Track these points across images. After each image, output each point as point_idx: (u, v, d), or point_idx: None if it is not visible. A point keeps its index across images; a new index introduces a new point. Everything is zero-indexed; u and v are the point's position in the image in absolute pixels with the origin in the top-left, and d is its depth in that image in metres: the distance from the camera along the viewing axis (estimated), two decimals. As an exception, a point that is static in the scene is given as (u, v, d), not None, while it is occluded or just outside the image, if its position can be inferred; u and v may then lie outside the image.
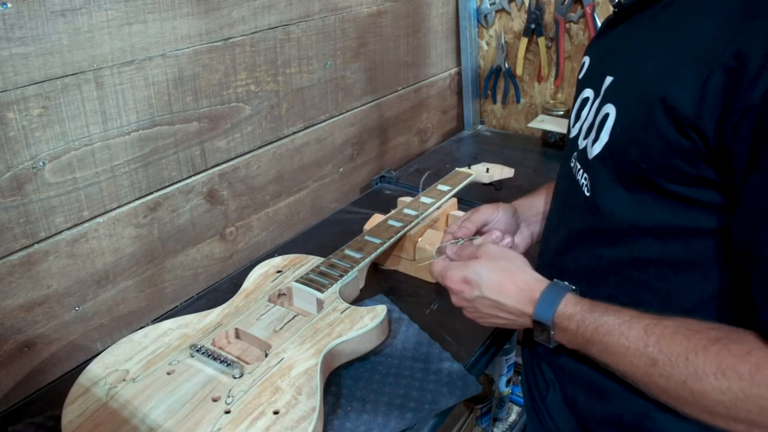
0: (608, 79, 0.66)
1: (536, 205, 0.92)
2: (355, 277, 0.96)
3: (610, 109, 0.64)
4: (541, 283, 0.68)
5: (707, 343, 0.54)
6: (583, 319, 0.63)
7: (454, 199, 1.16)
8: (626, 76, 0.64)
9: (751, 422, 0.52)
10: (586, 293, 0.67)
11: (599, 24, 1.47)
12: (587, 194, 0.68)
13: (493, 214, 0.87)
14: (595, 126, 0.67)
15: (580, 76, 0.77)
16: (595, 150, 0.66)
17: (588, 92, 0.72)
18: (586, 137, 0.69)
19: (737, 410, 0.52)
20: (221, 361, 0.79)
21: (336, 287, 0.91)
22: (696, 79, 0.53)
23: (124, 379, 0.78)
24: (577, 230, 0.71)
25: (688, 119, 0.54)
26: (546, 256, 0.80)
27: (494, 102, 1.75)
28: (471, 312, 0.75)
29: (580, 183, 0.70)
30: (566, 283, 0.68)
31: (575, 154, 0.73)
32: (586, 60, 0.77)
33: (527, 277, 0.70)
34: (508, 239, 0.84)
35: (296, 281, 0.93)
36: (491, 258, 0.73)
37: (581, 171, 0.70)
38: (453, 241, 0.84)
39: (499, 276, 0.71)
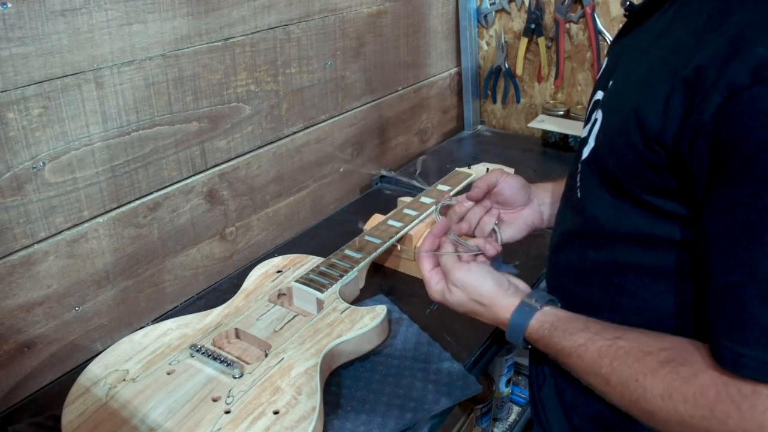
0: (610, 84, 0.67)
1: (549, 188, 0.92)
2: (355, 277, 0.96)
3: (599, 115, 0.65)
4: (507, 312, 0.71)
5: (656, 365, 0.56)
6: (546, 343, 0.67)
7: (455, 199, 1.16)
8: (618, 83, 0.65)
9: None
10: (574, 292, 0.71)
11: (599, 24, 1.47)
12: (578, 196, 0.70)
13: (502, 177, 0.87)
14: (589, 130, 0.69)
15: (598, 77, 0.78)
16: (584, 154, 0.68)
17: (599, 94, 0.73)
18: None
19: (684, 429, 0.53)
20: (221, 361, 0.79)
21: (336, 287, 0.91)
22: (663, 93, 0.53)
23: (124, 379, 0.78)
24: (569, 230, 0.73)
25: (652, 132, 0.54)
26: (550, 255, 0.81)
27: (494, 102, 1.75)
28: (454, 309, 0.78)
29: (576, 184, 0.71)
30: (533, 300, 0.71)
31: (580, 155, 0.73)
32: (605, 61, 0.78)
33: (496, 309, 0.73)
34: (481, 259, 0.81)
35: (296, 281, 0.93)
36: (464, 291, 0.75)
37: (578, 173, 0.71)
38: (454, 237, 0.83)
39: (473, 307, 0.75)
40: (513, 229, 0.87)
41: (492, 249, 0.77)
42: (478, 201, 0.85)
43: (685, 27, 0.56)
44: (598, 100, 0.72)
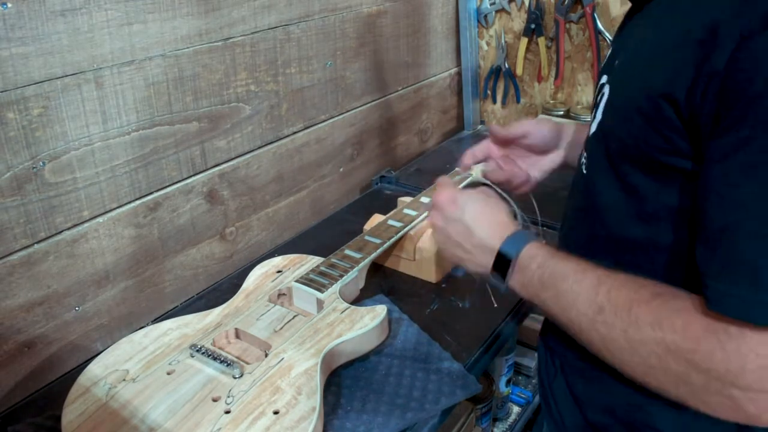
0: (616, 63, 0.68)
1: (580, 132, 0.94)
2: (355, 277, 0.96)
3: (606, 88, 0.66)
4: (514, 226, 0.72)
5: (650, 296, 0.56)
6: (544, 261, 0.66)
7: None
8: (624, 59, 0.65)
9: (680, 378, 0.53)
10: None
11: (599, 24, 1.48)
12: (584, 172, 0.71)
13: (536, 128, 0.91)
14: (596, 106, 0.69)
15: (603, 64, 0.79)
16: (593, 128, 0.68)
17: (604, 78, 0.73)
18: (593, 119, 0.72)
19: (668, 363, 0.53)
20: (221, 361, 0.79)
21: (336, 287, 0.91)
22: (671, 53, 0.54)
23: (124, 379, 0.78)
24: (578, 207, 0.73)
25: (660, 89, 0.55)
26: (561, 234, 0.82)
27: (494, 102, 1.75)
28: (440, 233, 0.78)
29: (581, 162, 0.72)
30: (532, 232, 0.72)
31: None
32: (610, 49, 0.79)
33: (506, 219, 0.74)
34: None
35: (296, 281, 0.93)
36: (484, 195, 0.77)
37: (585, 150, 0.72)
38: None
39: (483, 208, 0.75)
40: (536, 170, 0.93)
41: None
42: (508, 143, 0.92)
43: (690, 2, 0.56)
44: (603, 83, 0.73)
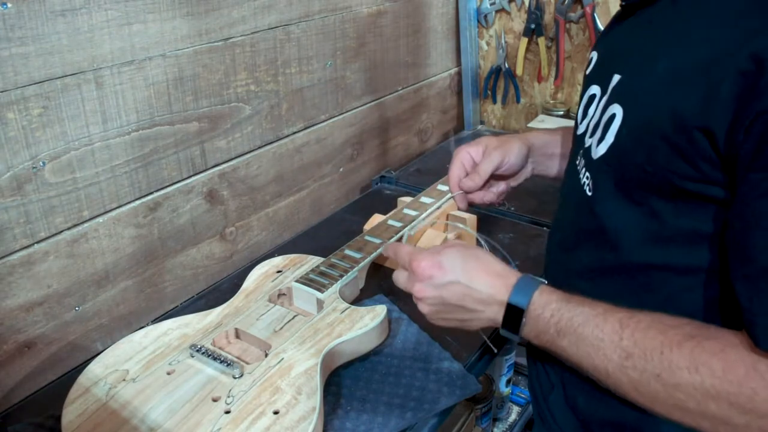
0: (615, 78, 0.65)
1: (549, 144, 0.94)
2: (355, 277, 0.96)
3: (617, 109, 0.63)
4: (515, 273, 0.67)
5: (681, 338, 0.54)
6: (559, 308, 0.62)
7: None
8: (634, 76, 0.63)
9: (719, 419, 0.52)
10: (589, 291, 0.65)
11: (599, 24, 1.47)
12: (589, 194, 0.68)
13: (503, 159, 0.90)
14: (601, 125, 0.66)
15: (588, 72, 0.76)
16: (600, 150, 0.65)
17: (595, 89, 0.70)
18: (591, 135, 0.68)
19: (707, 406, 0.52)
20: (221, 361, 0.79)
21: (336, 287, 0.91)
22: (707, 84, 0.52)
23: (124, 379, 0.78)
24: (581, 229, 0.71)
25: (694, 122, 0.53)
26: (553, 254, 0.80)
27: (494, 102, 1.75)
28: (433, 303, 0.70)
29: (582, 182, 0.70)
30: (539, 278, 0.68)
31: (581, 151, 0.72)
32: (594, 55, 0.76)
33: (501, 267, 0.69)
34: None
35: (296, 281, 0.93)
36: (464, 248, 0.71)
37: (584, 169, 0.70)
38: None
39: (475, 263, 0.69)
40: (506, 186, 0.95)
41: None
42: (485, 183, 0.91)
43: (717, 15, 0.54)
44: (594, 94, 0.71)
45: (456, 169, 0.92)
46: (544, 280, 0.67)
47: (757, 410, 0.50)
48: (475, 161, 0.92)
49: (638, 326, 0.57)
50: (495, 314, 0.67)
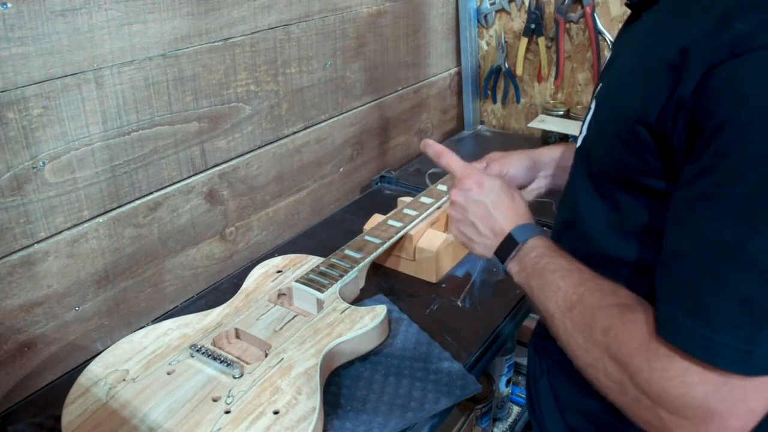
0: (605, 80, 0.68)
1: (565, 156, 0.92)
2: (355, 277, 0.96)
3: (593, 104, 0.67)
4: (531, 219, 0.75)
5: (613, 304, 0.57)
6: (544, 253, 0.68)
7: None
8: (611, 74, 0.66)
9: (618, 385, 0.54)
10: None
11: (599, 24, 1.48)
12: (569, 186, 0.72)
13: (500, 172, 0.89)
14: (586, 119, 0.70)
15: (601, 70, 0.79)
16: (579, 141, 0.69)
17: (599, 87, 0.73)
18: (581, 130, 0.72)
19: (609, 369, 0.54)
20: (221, 361, 0.79)
21: (336, 287, 0.91)
22: (647, 79, 0.54)
23: (124, 379, 0.78)
24: (563, 220, 0.74)
25: (635, 113, 0.56)
26: (552, 237, 0.82)
27: (494, 102, 1.75)
28: (458, 210, 0.78)
29: (571, 173, 0.73)
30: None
31: None
32: (609, 54, 0.79)
33: (526, 211, 0.76)
34: None
35: (296, 281, 0.93)
36: (508, 186, 0.78)
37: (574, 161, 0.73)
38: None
39: (507, 198, 0.76)
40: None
41: None
42: None
43: (673, 15, 0.57)
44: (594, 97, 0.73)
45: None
46: (547, 230, 0.73)
47: (642, 386, 0.51)
48: None
49: (593, 286, 0.60)
50: (495, 244, 0.74)
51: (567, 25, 1.53)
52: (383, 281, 1.05)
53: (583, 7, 1.47)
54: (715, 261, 0.47)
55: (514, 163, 0.91)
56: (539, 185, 0.93)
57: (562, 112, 1.59)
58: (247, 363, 0.81)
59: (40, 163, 0.83)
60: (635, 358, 0.51)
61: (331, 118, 1.32)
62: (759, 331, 0.46)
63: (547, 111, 1.61)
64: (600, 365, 0.55)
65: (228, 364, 0.78)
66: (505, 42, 1.65)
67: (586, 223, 0.67)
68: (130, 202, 0.96)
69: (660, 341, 0.50)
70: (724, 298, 0.47)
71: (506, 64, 1.67)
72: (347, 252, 0.99)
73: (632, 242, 0.62)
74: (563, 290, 0.62)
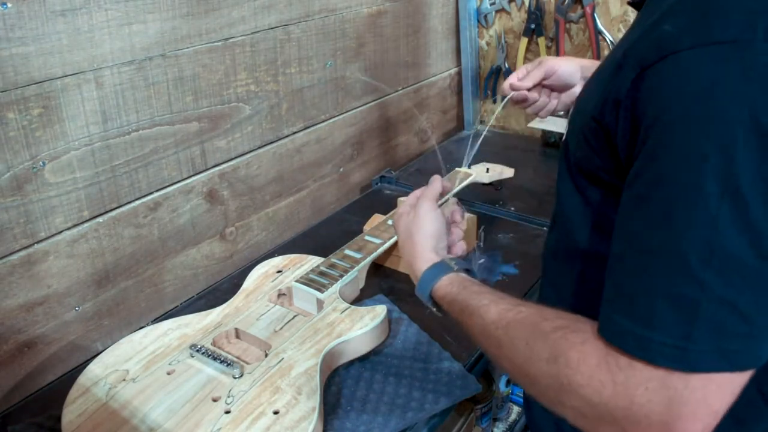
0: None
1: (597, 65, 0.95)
2: (355, 277, 0.96)
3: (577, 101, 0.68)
4: (426, 264, 0.74)
5: (549, 330, 0.55)
6: (452, 300, 0.68)
7: (454, 199, 1.16)
8: (589, 78, 0.67)
9: (576, 411, 0.51)
10: (550, 272, 0.73)
11: (599, 24, 1.47)
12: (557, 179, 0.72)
13: (555, 68, 0.98)
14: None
15: None
16: (563, 137, 0.70)
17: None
18: None
19: (562, 397, 0.52)
20: (221, 361, 0.79)
21: (336, 287, 0.91)
22: (605, 80, 0.55)
23: (124, 379, 0.78)
24: (552, 214, 0.74)
25: (592, 110, 0.57)
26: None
27: (494, 102, 1.75)
28: (397, 219, 0.83)
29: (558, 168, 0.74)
30: (453, 263, 0.73)
31: None
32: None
33: (421, 257, 0.76)
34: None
35: (296, 281, 0.93)
36: (433, 218, 0.79)
37: None
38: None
39: (408, 239, 0.79)
40: (559, 104, 1.03)
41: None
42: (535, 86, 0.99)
43: (639, 18, 0.58)
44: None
45: (512, 76, 1.02)
46: (450, 268, 0.72)
47: (606, 404, 0.49)
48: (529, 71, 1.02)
49: (515, 317, 0.59)
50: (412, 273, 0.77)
51: (567, 25, 1.53)
52: (383, 281, 1.05)
53: (583, 7, 1.47)
54: (644, 262, 0.48)
55: (564, 65, 0.98)
56: (553, 104, 1.02)
57: (562, 113, 1.59)
58: (247, 363, 0.81)
59: (40, 163, 0.83)
60: (595, 377, 0.49)
61: (331, 118, 1.32)
62: (691, 327, 0.45)
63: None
64: (551, 395, 0.53)
65: (228, 364, 0.78)
66: (505, 42, 1.65)
67: (567, 216, 0.68)
68: (130, 202, 0.96)
69: (617, 352, 0.49)
70: (655, 298, 0.47)
71: (506, 64, 1.67)
72: (347, 252, 0.99)
73: (605, 238, 0.61)
74: (486, 330, 0.61)
